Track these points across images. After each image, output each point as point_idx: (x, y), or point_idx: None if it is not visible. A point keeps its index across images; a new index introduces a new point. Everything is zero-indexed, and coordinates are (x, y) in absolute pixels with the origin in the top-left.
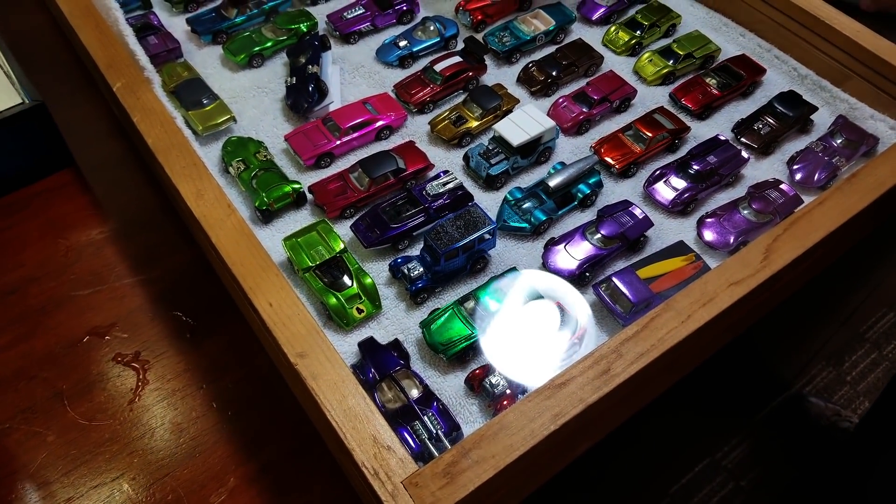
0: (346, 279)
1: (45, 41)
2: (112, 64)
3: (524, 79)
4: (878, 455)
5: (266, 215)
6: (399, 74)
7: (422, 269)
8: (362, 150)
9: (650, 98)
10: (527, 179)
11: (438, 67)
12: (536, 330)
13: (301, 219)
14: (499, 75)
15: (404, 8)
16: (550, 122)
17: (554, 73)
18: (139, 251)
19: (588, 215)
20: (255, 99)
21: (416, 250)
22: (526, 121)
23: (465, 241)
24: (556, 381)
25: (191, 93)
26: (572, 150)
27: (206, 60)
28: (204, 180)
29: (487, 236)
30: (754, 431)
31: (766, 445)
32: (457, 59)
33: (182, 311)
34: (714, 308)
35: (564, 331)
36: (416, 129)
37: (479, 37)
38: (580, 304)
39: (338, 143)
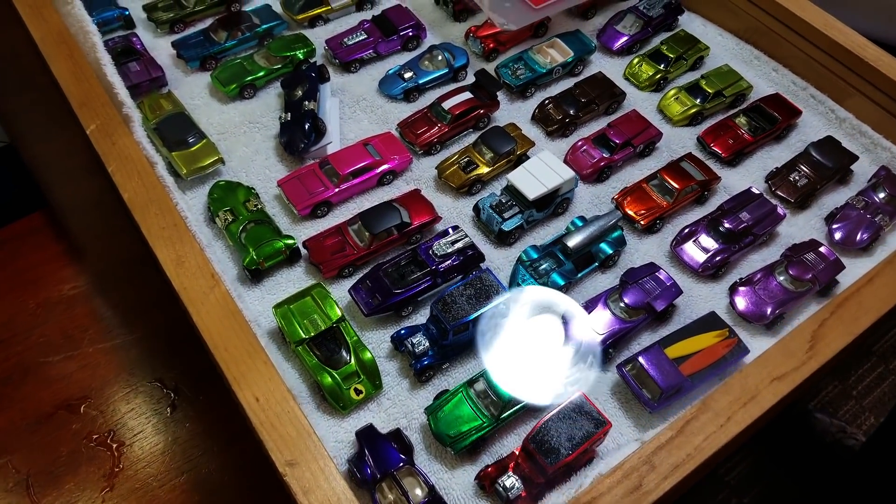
0: (343, 354)
1: (18, 61)
2: (86, 102)
3: (540, 117)
4: (884, 476)
5: (255, 274)
6: (403, 109)
7: (427, 344)
8: (362, 197)
9: (676, 140)
10: (542, 234)
11: (447, 105)
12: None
13: (294, 277)
14: (512, 111)
15: (410, 34)
16: (569, 173)
17: (572, 112)
18: (116, 309)
19: (609, 278)
20: (245, 136)
21: (420, 316)
22: (542, 170)
23: (476, 314)
24: (582, 499)
25: (175, 130)
26: (591, 199)
27: (193, 90)
28: (185, 244)
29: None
30: (757, 447)
31: (769, 461)
32: (467, 95)
33: (162, 380)
34: (756, 408)
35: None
36: (422, 172)
37: (491, 69)
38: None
39: (336, 190)
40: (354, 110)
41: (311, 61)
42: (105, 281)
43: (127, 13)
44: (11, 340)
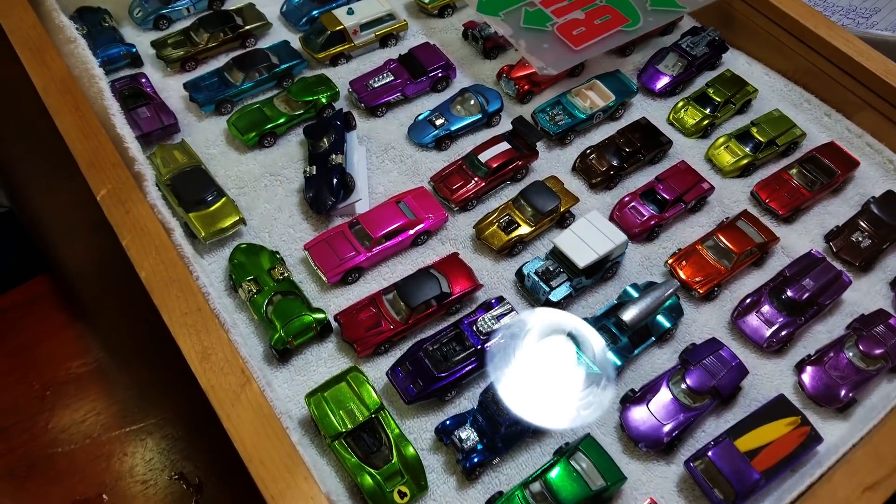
0: (383, 450)
1: (16, 102)
2: (95, 162)
3: (582, 168)
4: None
5: (284, 355)
6: (435, 158)
7: (476, 438)
8: (395, 260)
9: (728, 194)
10: (591, 301)
11: (484, 157)
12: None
13: (325, 355)
14: (550, 160)
15: (439, 74)
16: (620, 236)
17: (616, 163)
18: (130, 390)
19: (667, 353)
20: (266, 190)
21: (465, 400)
22: (591, 233)
23: None
24: None
25: (191, 187)
26: (641, 260)
27: (208, 137)
28: (211, 333)
29: None
30: None
31: None
32: (504, 146)
33: (184, 475)
34: None
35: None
36: (458, 231)
37: (526, 112)
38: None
39: (368, 255)
40: (382, 160)
41: (336, 106)
42: (117, 356)
43: (134, 50)
44: (15, 429)
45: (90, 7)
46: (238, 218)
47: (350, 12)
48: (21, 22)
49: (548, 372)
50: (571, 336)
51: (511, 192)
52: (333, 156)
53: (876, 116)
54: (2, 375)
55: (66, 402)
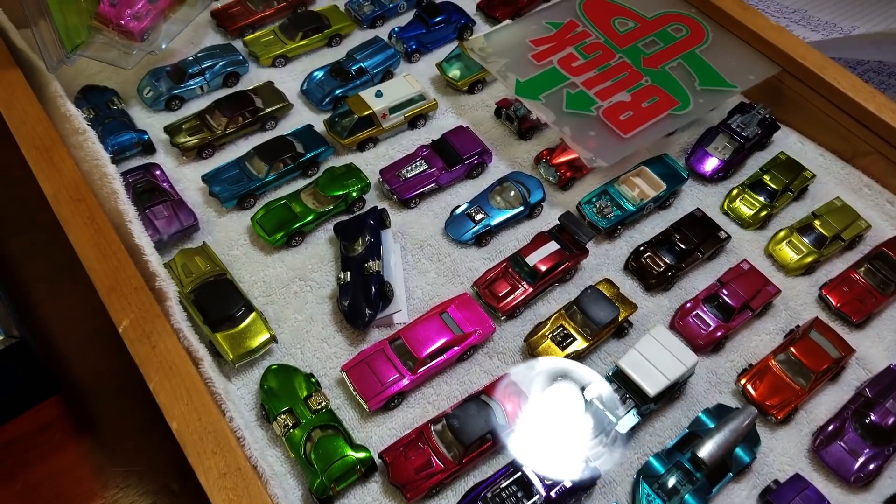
0: None
1: (15, 188)
2: (115, 286)
3: (635, 268)
4: None
5: (326, 503)
6: (475, 256)
7: None
8: (440, 378)
9: (794, 295)
10: (657, 427)
11: (531, 260)
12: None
13: (370, 497)
14: (599, 256)
15: (475, 161)
16: (691, 357)
17: (673, 262)
18: None
19: (745, 489)
20: (296, 297)
21: None
22: (659, 354)
23: None
24: None
25: (217, 303)
26: (707, 375)
27: (231, 236)
28: (255, 499)
29: None
30: None
31: None
32: (552, 247)
33: None
34: None
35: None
36: (506, 343)
37: (570, 199)
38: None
39: (412, 378)
40: (419, 258)
41: (371, 209)
42: (143, 496)
43: (146, 138)
44: None
45: (96, 86)
46: (268, 336)
47: (378, 94)
48: (26, 115)
49: None
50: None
51: (558, 294)
52: (370, 262)
53: None
54: None
55: None
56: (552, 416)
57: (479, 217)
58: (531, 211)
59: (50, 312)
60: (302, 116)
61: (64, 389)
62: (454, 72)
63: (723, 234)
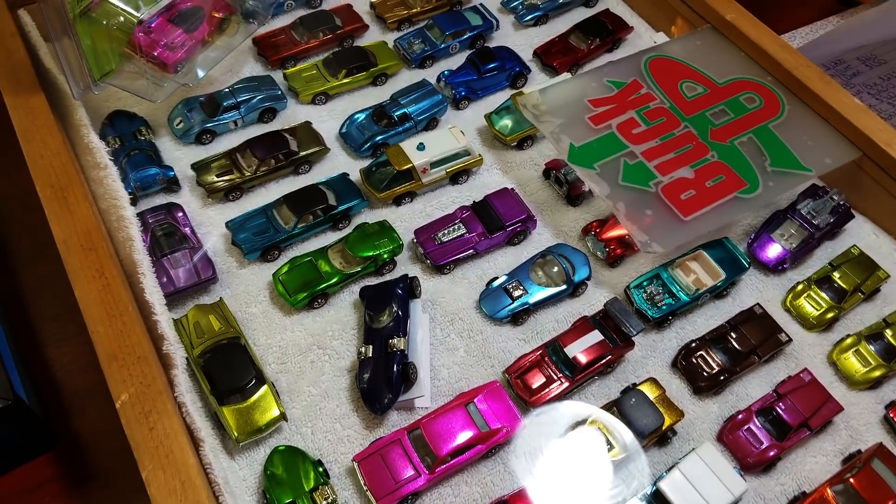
0: None
1: (30, 214)
2: (118, 353)
3: (685, 367)
4: None
5: None
6: (509, 335)
7: None
8: (459, 478)
9: (856, 412)
10: None
11: (571, 351)
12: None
13: None
14: (645, 347)
15: (518, 229)
16: (740, 484)
17: (727, 365)
18: None
19: None
20: (312, 368)
21: None
22: (704, 478)
23: None
24: None
25: (226, 373)
26: (755, 498)
27: (250, 290)
28: None
29: None
30: None
31: None
32: (595, 337)
33: None
34: None
35: None
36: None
37: (617, 277)
38: None
39: (429, 477)
40: (448, 333)
41: (402, 277)
42: None
43: (172, 174)
44: None
45: (125, 112)
46: (278, 413)
47: (420, 147)
48: (45, 147)
49: None
50: None
51: (596, 389)
52: (394, 339)
53: None
54: None
55: None
56: None
57: (517, 293)
58: (574, 290)
59: (54, 357)
60: (338, 161)
61: (59, 446)
62: (503, 125)
63: (784, 337)
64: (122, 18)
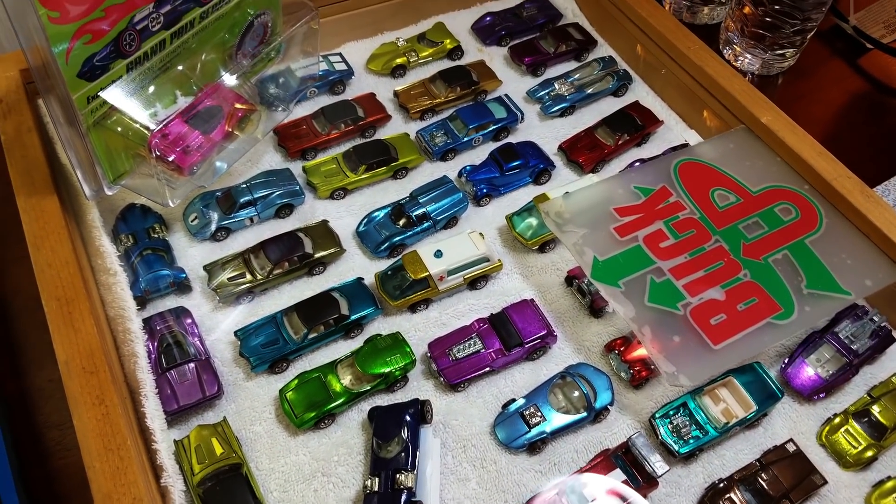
0: None
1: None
2: (112, 492)
3: None
4: None
5: None
6: (524, 465)
7: None
8: None
9: None
10: None
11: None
12: None
13: None
14: (670, 482)
15: (538, 345)
16: None
17: None
18: None
19: None
20: (315, 497)
21: None
22: None
23: None
24: None
25: None
26: None
27: (255, 406)
28: None
29: None
30: None
31: None
32: (617, 477)
33: None
34: None
35: None
36: None
37: (642, 400)
38: None
39: None
40: (460, 461)
41: (414, 401)
42: None
43: (183, 277)
44: None
45: (139, 208)
46: None
47: (438, 254)
48: (53, 256)
49: None
50: None
51: None
52: (402, 475)
53: None
54: None
55: None
56: None
57: (534, 421)
58: (596, 416)
59: (56, 469)
60: (354, 262)
61: None
62: (524, 228)
63: (818, 480)
64: (137, 126)
